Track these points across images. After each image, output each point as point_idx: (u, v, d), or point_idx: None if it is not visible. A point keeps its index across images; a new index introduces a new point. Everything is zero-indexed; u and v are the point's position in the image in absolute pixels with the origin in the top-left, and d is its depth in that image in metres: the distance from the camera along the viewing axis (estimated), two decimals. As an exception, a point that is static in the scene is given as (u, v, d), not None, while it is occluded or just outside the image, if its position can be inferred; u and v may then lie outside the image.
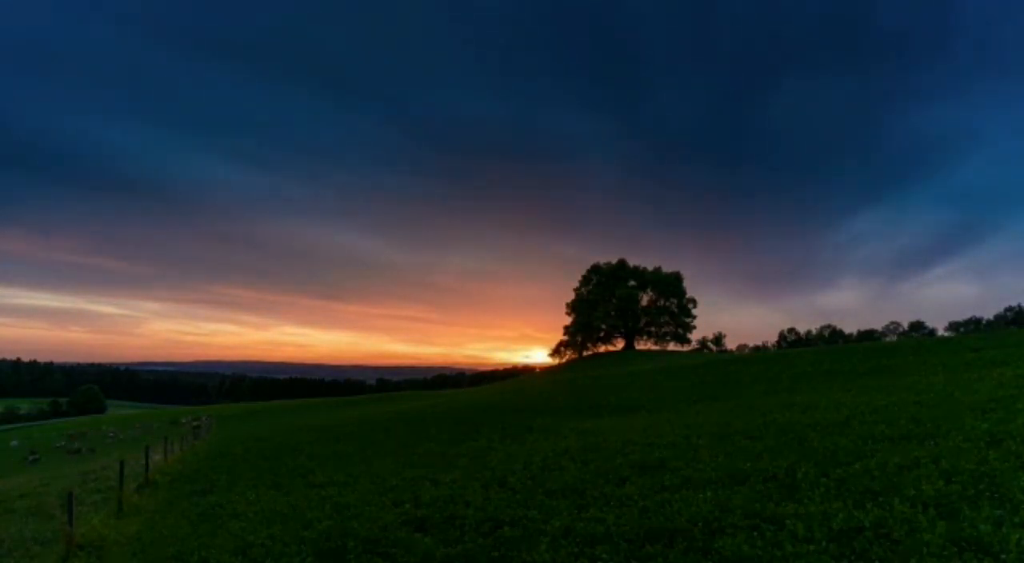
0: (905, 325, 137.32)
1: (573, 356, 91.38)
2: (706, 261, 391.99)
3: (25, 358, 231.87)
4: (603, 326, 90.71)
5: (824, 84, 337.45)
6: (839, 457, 8.65)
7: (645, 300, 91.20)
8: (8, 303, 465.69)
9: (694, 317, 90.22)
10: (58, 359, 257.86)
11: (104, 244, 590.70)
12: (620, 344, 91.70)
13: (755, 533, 6.09)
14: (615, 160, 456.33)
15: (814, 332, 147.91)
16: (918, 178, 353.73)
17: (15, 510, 13.00)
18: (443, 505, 8.98)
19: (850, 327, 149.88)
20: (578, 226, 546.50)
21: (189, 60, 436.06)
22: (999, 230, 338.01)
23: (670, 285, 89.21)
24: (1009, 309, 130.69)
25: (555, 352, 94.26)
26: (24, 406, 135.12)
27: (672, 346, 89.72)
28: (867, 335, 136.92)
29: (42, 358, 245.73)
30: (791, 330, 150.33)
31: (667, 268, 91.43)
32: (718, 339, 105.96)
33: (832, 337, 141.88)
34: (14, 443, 53.79)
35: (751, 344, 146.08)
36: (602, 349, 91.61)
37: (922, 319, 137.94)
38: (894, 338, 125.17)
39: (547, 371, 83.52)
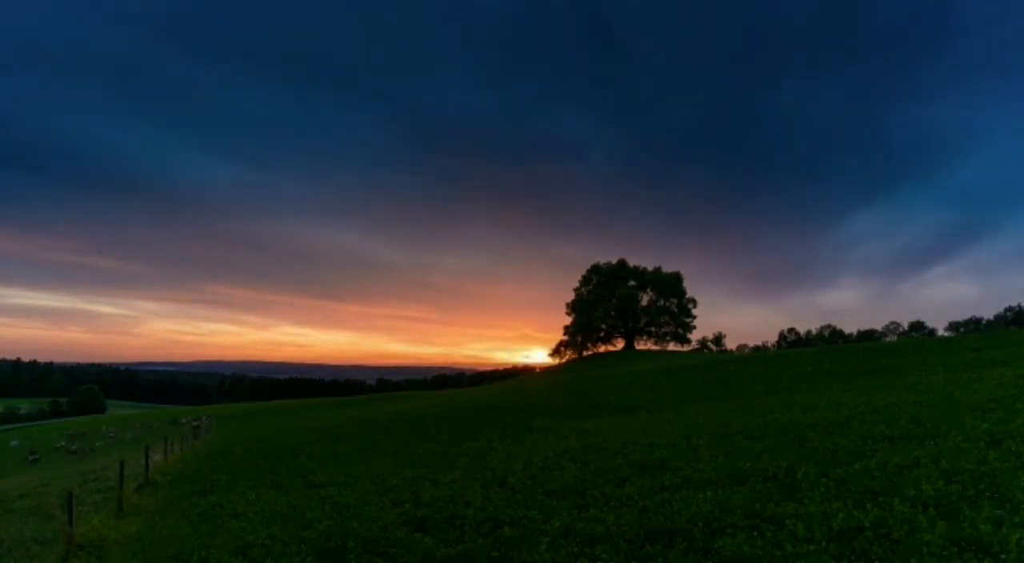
0: (905, 325, 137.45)
1: (573, 356, 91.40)
2: (706, 261, 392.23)
3: (25, 358, 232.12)
4: (603, 326, 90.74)
5: (824, 83, 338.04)
6: (839, 457, 8.65)
7: (645, 300, 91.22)
8: (6, 303, 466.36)
9: (694, 317, 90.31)
10: (58, 359, 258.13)
11: (102, 244, 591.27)
12: (620, 344, 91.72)
13: (755, 533, 6.09)
14: (614, 160, 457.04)
15: (814, 332, 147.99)
16: (918, 177, 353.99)
17: (15, 510, 13.00)
18: (443, 505, 8.98)
19: (850, 327, 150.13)
20: (578, 226, 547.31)
21: (188, 60, 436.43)
22: (999, 230, 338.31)
23: (670, 285, 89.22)
24: (1009, 309, 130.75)
25: (555, 352, 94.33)
26: (24, 406, 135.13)
27: (672, 346, 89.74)
28: (867, 335, 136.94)
29: (42, 358, 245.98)
30: (791, 330, 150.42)
31: (667, 268, 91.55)
32: (718, 339, 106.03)
33: (832, 337, 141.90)
34: (14, 443, 53.80)
35: (751, 344, 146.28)
36: (602, 349, 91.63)
37: (922, 319, 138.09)
38: (894, 338, 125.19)
39: (547, 371, 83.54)
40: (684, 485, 8.41)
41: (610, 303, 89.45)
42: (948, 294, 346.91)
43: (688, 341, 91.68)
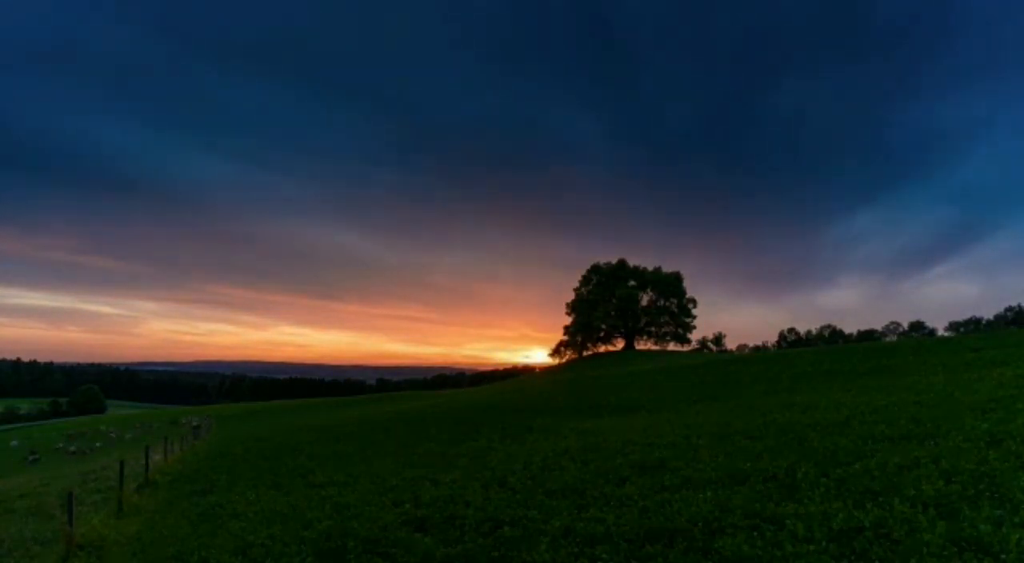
0: (905, 325, 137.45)
1: (573, 356, 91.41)
2: (706, 261, 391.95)
3: (25, 358, 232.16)
4: (603, 326, 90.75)
5: (824, 83, 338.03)
6: (839, 457, 8.66)
7: (645, 300, 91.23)
8: (5, 303, 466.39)
9: (694, 317, 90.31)
10: (58, 359, 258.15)
11: (100, 243, 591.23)
12: (620, 344, 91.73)
13: (755, 533, 6.09)
14: (614, 159, 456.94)
15: (814, 332, 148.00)
16: (918, 177, 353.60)
17: (15, 510, 13.00)
18: (443, 505, 8.98)
19: (850, 327, 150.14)
20: (577, 226, 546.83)
21: (188, 60, 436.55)
22: (999, 229, 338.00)
23: (670, 285, 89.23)
24: (1009, 309, 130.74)
25: (555, 352, 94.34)
26: (24, 406, 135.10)
27: (672, 346, 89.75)
28: (867, 335, 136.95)
29: (42, 358, 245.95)
30: (791, 330, 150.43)
31: (667, 268, 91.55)
32: (718, 339, 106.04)
33: (832, 337, 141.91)
34: (14, 443, 53.79)
35: (751, 344, 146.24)
36: (602, 349, 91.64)
37: (922, 319, 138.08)
38: (894, 338, 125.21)
39: (547, 371, 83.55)
40: (684, 485, 8.41)
41: (610, 303, 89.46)
42: (948, 294, 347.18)
43: (688, 341, 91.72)
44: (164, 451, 20.45)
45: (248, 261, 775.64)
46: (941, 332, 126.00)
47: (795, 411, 13.95)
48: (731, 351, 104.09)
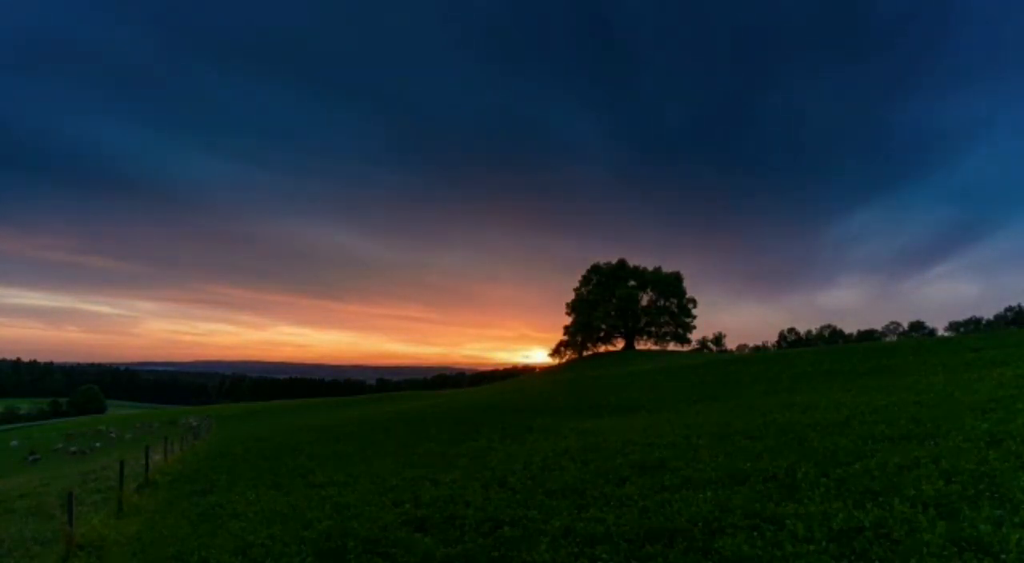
0: (905, 325, 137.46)
1: (573, 356, 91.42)
2: (706, 260, 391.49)
3: (25, 358, 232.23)
4: (603, 326, 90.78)
5: (824, 82, 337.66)
6: (839, 457, 8.66)
7: (645, 300, 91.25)
8: (4, 303, 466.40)
9: (694, 317, 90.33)
10: (58, 359, 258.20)
11: (99, 243, 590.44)
12: (620, 344, 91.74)
13: (755, 533, 6.10)
14: (614, 159, 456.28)
15: (814, 332, 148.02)
16: (918, 177, 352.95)
17: (15, 510, 13.01)
18: (443, 505, 8.98)
19: (850, 327, 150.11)
20: (577, 226, 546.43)
21: (187, 60, 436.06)
22: (999, 229, 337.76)
23: (670, 285, 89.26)
24: (1009, 309, 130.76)
25: (555, 352, 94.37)
26: (24, 406, 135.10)
27: (672, 346, 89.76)
28: (867, 335, 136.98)
29: (42, 358, 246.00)
30: (791, 330, 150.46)
31: (667, 267, 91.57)
32: (718, 339, 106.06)
33: (832, 337, 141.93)
34: (14, 443, 53.78)
35: (751, 344, 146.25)
36: (602, 349, 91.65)
37: (922, 319, 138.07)
38: (894, 338, 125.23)
39: (547, 371, 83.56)
40: (684, 485, 8.41)
41: (610, 303, 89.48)
42: (948, 294, 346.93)
43: (688, 341, 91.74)
44: (164, 451, 20.45)
45: (248, 261, 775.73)
46: (941, 332, 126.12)
47: (795, 411, 13.96)
48: (731, 351, 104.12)
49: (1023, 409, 10.27)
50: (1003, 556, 4.84)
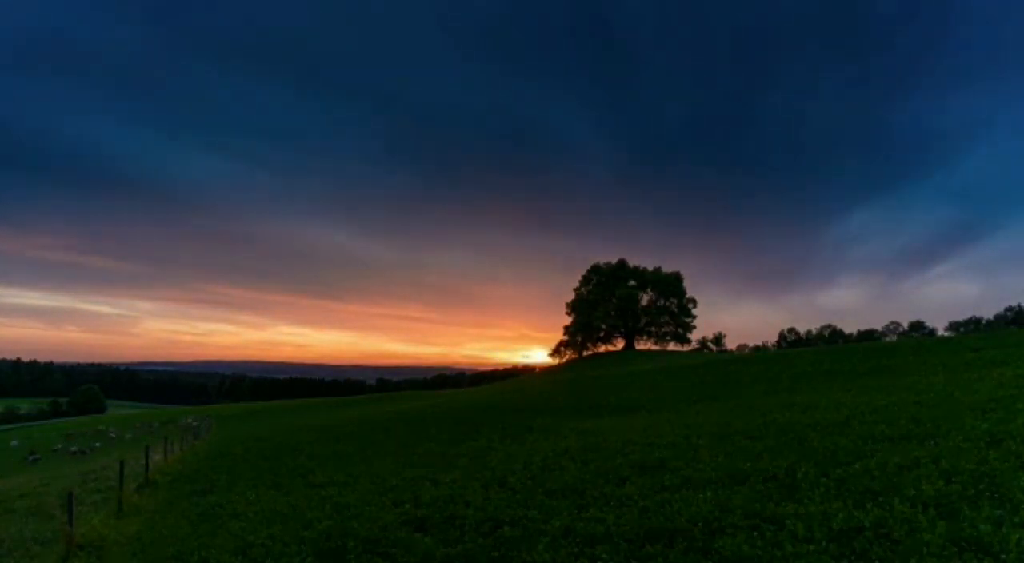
0: (905, 325, 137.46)
1: (573, 356, 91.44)
2: (706, 260, 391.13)
3: (25, 358, 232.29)
4: (603, 326, 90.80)
5: (824, 81, 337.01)
6: (839, 457, 8.66)
7: (645, 300, 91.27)
8: (3, 303, 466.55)
9: (694, 317, 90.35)
10: (58, 359, 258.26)
11: (98, 243, 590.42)
12: (620, 344, 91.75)
13: (755, 533, 6.10)
14: (613, 159, 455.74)
15: (814, 332, 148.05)
16: (918, 176, 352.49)
17: (15, 510, 13.01)
18: (443, 505, 8.98)
19: (850, 327, 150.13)
20: (576, 225, 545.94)
21: (187, 60, 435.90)
22: (1000, 228, 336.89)
23: (670, 285, 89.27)
24: (1009, 309, 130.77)
25: (555, 352, 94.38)
26: (24, 406, 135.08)
27: (672, 346, 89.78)
28: (867, 335, 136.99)
29: (42, 358, 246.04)
30: (791, 330, 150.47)
31: (667, 267, 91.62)
32: (718, 339, 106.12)
33: (832, 337, 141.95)
34: (14, 443, 53.77)
35: (751, 344, 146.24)
36: (602, 349, 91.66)
37: (922, 319, 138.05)
38: (894, 338, 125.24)
39: (547, 371, 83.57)
40: (684, 485, 8.41)
41: (610, 303, 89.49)
42: (948, 294, 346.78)
43: (688, 341, 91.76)
44: (164, 451, 20.45)
45: (247, 261, 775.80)
46: (941, 332, 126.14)
47: (795, 411, 13.96)
48: (731, 351, 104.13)
49: (1023, 409, 10.27)
50: (1003, 556, 4.84)
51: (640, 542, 6.36)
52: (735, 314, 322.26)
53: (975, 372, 17.04)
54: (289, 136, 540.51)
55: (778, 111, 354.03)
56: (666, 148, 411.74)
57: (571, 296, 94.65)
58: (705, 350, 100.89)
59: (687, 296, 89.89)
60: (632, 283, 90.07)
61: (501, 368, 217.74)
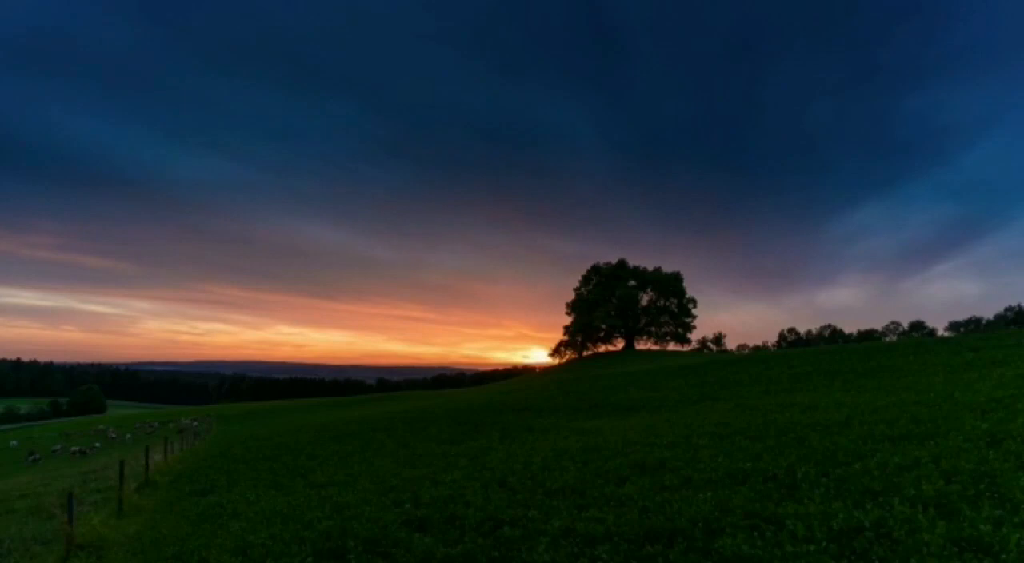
0: (905, 325, 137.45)
1: (573, 356, 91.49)
2: (706, 260, 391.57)
3: (25, 358, 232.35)
4: (603, 326, 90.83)
5: (824, 76, 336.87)
6: (839, 457, 8.66)
7: (645, 300, 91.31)
8: (2, 303, 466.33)
9: (694, 317, 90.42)
10: (58, 359, 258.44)
11: (96, 243, 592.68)
12: (620, 344, 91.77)
13: (755, 533, 6.09)
14: (612, 157, 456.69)
15: (814, 332, 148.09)
16: (919, 174, 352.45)
17: (15, 510, 13.00)
18: (443, 505, 8.98)
19: (850, 327, 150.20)
20: (576, 225, 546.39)
21: (182, 60, 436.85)
22: (1002, 226, 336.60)
23: (670, 285, 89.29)
24: (1009, 309, 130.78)
25: (555, 352, 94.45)
26: (24, 406, 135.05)
27: (672, 346, 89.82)
28: (867, 335, 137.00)
29: (41, 358, 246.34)
30: (791, 330, 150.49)
31: (666, 267, 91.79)
32: (718, 339, 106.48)
33: (832, 337, 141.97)
34: (14, 443, 53.73)
35: (751, 344, 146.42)
36: (602, 349, 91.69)
37: (922, 319, 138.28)
38: (894, 338, 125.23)
39: (547, 371, 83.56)
40: (684, 485, 8.41)
41: (610, 303, 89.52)
42: (949, 293, 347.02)
43: (688, 341, 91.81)
44: (164, 451, 20.45)
45: (245, 260, 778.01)
46: (941, 332, 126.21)
47: (795, 411, 13.95)
48: (731, 351, 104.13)
49: (1023, 409, 10.27)
50: (1003, 556, 4.84)
51: (640, 542, 6.35)
52: (735, 314, 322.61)
53: (975, 372, 17.04)
54: (288, 136, 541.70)
55: (778, 109, 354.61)
56: (666, 147, 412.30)
57: (571, 296, 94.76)
58: (705, 350, 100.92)
59: (687, 296, 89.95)
60: (632, 283, 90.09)
61: (501, 368, 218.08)
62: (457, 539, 7.30)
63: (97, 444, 44.09)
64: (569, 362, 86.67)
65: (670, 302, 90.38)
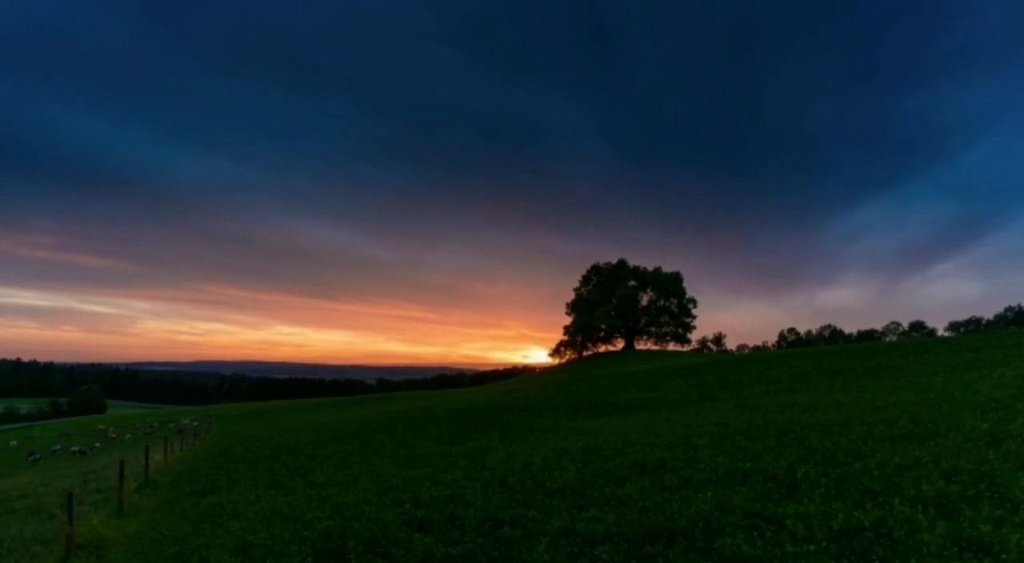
0: (905, 325, 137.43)
1: (573, 356, 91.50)
2: (706, 260, 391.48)
3: (25, 358, 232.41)
4: (603, 326, 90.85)
5: (824, 74, 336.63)
6: (839, 457, 8.66)
7: (645, 300, 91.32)
8: (2, 302, 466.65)
9: (694, 317, 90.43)
10: (57, 359, 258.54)
11: (95, 243, 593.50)
12: (620, 344, 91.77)
13: (755, 533, 6.09)
14: (611, 157, 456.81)
15: (814, 332, 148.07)
16: (918, 173, 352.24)
17: (15, 510, 13.00)
18: (443, 505, 8.97)
19: (850, 327, 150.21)
20: (575, 225, 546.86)
21: (182, 60, 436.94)
22: (1003, 225, 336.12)
23: (670, 285, 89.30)
24: (1009, 309, 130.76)
25: (555, 352, 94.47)
26: (24, 406, 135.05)
27: (672, 346, 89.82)
28: (867, 335, 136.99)
29: (41, 358, 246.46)
30: (791, 330, 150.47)
31: (666, 267, 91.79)
32: (718, 339, 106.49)
33: (832, 337, 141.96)
34: (14, 443, 53.73)
35: (751, 344, 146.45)
36: (602, 349, 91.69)
37: (922, 319, 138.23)
38: (894, 338, 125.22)
39: (547, 371, 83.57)
40: (684, 485, 8.41)
41: (610, 303, 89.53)
42: (949, 293, 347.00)
43: (688, 341, 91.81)
44: (164, 451, 20.45)
45: (244, 260, 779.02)
46: (941, 332, 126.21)
47: (795, 411, 13.95)
48: (731, 351, 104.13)
49: (1023, 409, 10.27)
50: (1003, 556, 4.84)
51: (640, 542, 6.35)
52: (735, 314, 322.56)
53: (975, 372, 17.04)
54: (288, 136, 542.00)
55: (777, 109, 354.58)
56: (666, 147, 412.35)
57: (571, 296, 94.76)
58: (705, 350, 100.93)
59: (687, 296, 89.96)
60: (632, 283, 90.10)
61: (501, 368, 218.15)
62: (457, 539, 7.30)
63: (97, 444, 44.10)
64: (569, 362, 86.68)
65: (670, 302, 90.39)
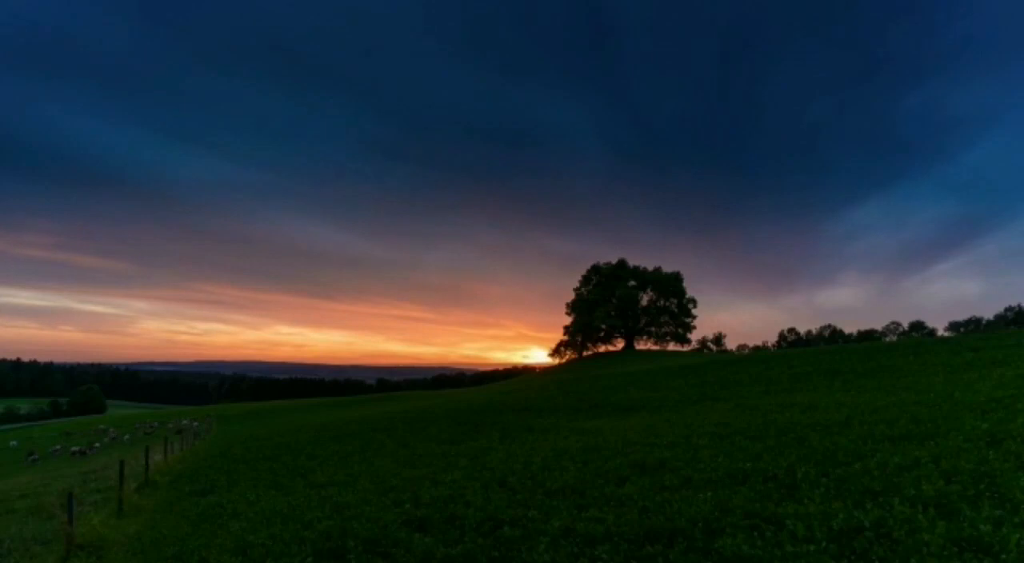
0: (905, 325, 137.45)
1: (573, 356, 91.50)
2: (706, 260, 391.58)
3: (25, 358, 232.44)
4: (603, 326, 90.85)
5: (823, 72, 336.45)
6: (839, 457, 8.66)
7: (645, 300, 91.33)
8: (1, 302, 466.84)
9: (694, 317, 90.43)
10: (57, 359, 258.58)
11: (89, 242, 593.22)
12: (620, 344, 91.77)
13: (755, 533, 6.09)
14: (611, 156, 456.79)
15: (814, 332, 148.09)
16: (919, 172, 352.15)
17: (15, 510, 13.00)
18: (443, 505, 8.97)
19: (850, 327, 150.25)
20: (575, 224, 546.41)
21: (181, 60, 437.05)
22: (1004, 224, 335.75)
23: (670, 285, 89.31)
24: (1009, 309, 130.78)
25: (555, 352, 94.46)
26: (24, 406, 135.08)
27: (672, 346, 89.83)
28: (867, 335, 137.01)
29: (41, 358, 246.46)
30: (791, 330, 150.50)
31: (666, 267, 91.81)
32: (718, 339, 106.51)
33: (832, 337, 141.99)
34: (13, 443, 53.73)
35: (751, 344, 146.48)
36: (602, 349, 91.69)
37: (923, 318, 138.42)
38: (894, 338, 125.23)
39: (547, 371, 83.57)
40: (684, 485, 8.41)
41: (610, 303, 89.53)
42: (949, 292, 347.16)
43: (688, 341, 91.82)
44: (164, 451, 20.45)
45: (243, 260, 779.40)
46: (941, 332, 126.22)
47: (795, 411, 13.95)
48: (731, 351, 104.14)
49: (1023, 409, 10.27)
50: (1003, 556, 4.84)
51: (640, 542, 6.35)
52: (735, 314, 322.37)
53: (975, 372, 17.05)
54: (288, 136, 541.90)
55: (777, 108, 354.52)
56: (665, 147, 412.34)
57: (571, 296, 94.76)
58: (705, 350, 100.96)
59: (687, 296, 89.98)
60: (632, 283, 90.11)
61: (501, 368, 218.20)
62: (457, 539, 7.30)
63: (97, 444, 44.09)
64: (569, 362, 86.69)
65: (670, 302, 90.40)
